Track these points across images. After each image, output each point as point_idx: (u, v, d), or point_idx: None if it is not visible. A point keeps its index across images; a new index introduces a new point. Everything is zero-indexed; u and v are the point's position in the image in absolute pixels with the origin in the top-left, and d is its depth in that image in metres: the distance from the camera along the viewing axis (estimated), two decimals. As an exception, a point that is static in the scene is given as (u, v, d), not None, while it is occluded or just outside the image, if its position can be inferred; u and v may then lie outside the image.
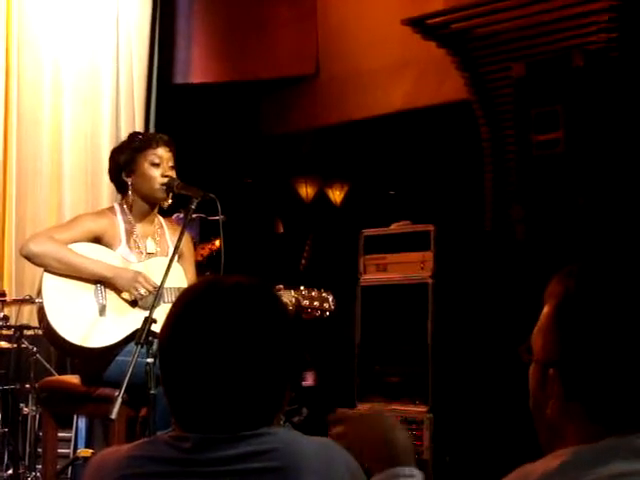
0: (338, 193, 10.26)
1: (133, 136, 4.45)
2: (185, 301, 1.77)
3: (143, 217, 4.35)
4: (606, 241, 5.06)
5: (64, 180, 7.14)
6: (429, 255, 5.53)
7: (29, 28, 7.00)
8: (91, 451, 5.62)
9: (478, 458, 5.27)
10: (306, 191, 10.14)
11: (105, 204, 7.19)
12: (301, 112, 8.20)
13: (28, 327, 5.86)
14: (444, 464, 5.33)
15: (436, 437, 5.34)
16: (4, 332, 5.76)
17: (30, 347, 5.68)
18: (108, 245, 4.25)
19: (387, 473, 1.76)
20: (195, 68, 7.95)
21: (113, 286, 4.16)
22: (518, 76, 5.62)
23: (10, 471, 5.38)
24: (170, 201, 4.34)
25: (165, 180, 4.25)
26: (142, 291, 4.12)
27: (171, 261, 3.85)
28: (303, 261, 9.52)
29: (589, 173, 5.33)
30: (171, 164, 4.31)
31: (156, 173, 4.26)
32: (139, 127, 7.34)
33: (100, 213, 4.44)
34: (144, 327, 3.55)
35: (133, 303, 4.19)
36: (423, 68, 7.09)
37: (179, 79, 7.86)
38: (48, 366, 5.95)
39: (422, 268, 5.55)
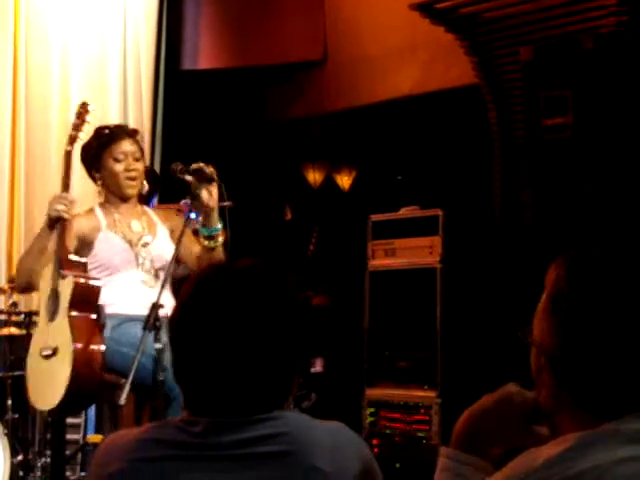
0: (346, 179, 10.24)
1: (97, 132, 4.44)
2: (196, 284, 1.76)
3: (120, 205, 4.34)
4: (607, 227, 5.05)
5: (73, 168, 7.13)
6: (437, 240, 5.53)
7: (37, 14, 6.99)
8: (100, 437, 5.63)
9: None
10: (314, 177, 10.12)
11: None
12: (309, 98, 8.19)
13: (37, 313, 5.86)
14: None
15: (445, 422, 5.34)
16: (14, 318, 5.77)
17: (39, 333, 5.68)
18: (91, 239, 4.24)
19: None
20: (203, 54, 7.93)
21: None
22: (526, 60, 5.59)
23: (20, 457, 5.39)
24: (146, 187, 4.36)
25: (131, 174, 4.26)
26: (59, 207, 4.09)
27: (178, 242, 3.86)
28: (311, 247, 9.51)
29: (598, 157, 5.31)
30: (137, 156, 4.31)
31: (120, 168, 4.27)
32: (147, 113, 7.33)
33: (82, 215, 4.41)
34: (151, 313, 3.55)
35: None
36: (431, 53, 7.06)
37: (187, 65, 7.84)
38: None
39: (430, 253, 5.55)
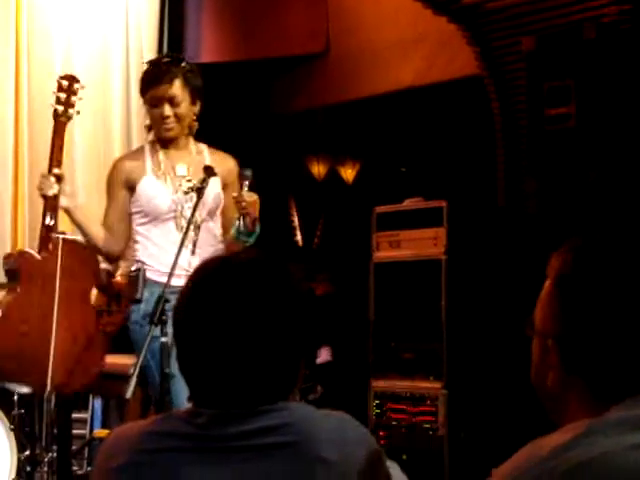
0: (350, 171, 10.23)
1: (145, 70, 4.33)
2: (200, 276, 1.76)
3: (170, 147, 4.21)
4: (611, 215, 5.05)
5: (76, 163, 7.13)
6: (442, 231, 5.53)
7: (39, 9, 6.99)
8: (107, 432, 5.64)
9: (493, 433, 5.28)
10: (318, 169, 10.12)
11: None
12: (312, 90, 8.18)
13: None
14: (459, 440, 5.34)
15: (451, 413, 5.35)
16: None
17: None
18: (136, 182, 4.15)
19: None
20: (205, 47, 7.92)
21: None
22: (528, 50, 5.59)
23: (27, 452, 5.40)
24: (196, 126, 4.22)
25: (165, 122, 4.12)
26: (47, 191, 4.11)
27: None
28: (316, 239, 9.52)
29: (601, 147, 5.31)
30: (177, 100, 4.11)
31: (156, 114, 4.15)
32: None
33: (126, 156, 4.37)
34: (157, 306, 3.55)
35: None
36: (434, 44, 7.05)
37: (189, 59, 7.82)
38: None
39: (435, 244, 5.55)
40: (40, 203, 6.91)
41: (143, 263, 4.02)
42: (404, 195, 5.98)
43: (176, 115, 4.12)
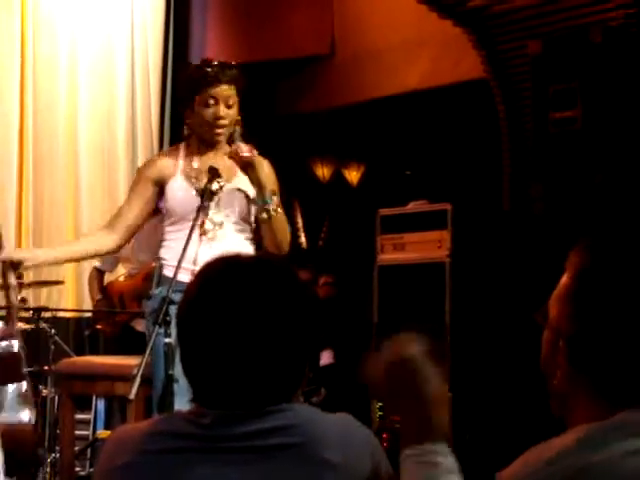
0: (355, 173, 10.23)
1: (196, 68, 4.14)
2: (204, 277, 1.76)
3: (205, 151, 4.11)
4: (618, 217, 5.04)
5: (80, 160, 7.15)
6: (446, 234, 5.53)
7: (44, 7, 7.00)
8: (110, 433, 5.64)
9: (498, 436, 5.27)
10: (322, 172, 10.12)
11: (122, 184, 7.21)
12: (317, 92, 8.18)
13: (46, 309, 5.88)
14: (464, 442, 5.33)
15: (455, 416, 5.33)
16: (22, 314, 5.77)
17: (48, 329, 5.70)
18: (166, 181, 4.05)
19: (421, 449, 1.74)
20: (211, 49, 7.93)
21: None
22: (534, 53, 5.58)
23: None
24: (238, 131, 4.03)
25: (219, 122, 4.00)
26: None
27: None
28: (320, 242, 9.51)
29: (606, 150, 5.30)
30: (230, 102, 4.01)
31: (209, 114, 4.00)
32: (155, 107, 7.34)
33: (161, 154, 4.30)
34: (162, 307, 3.54)
35: None
36: (439, 47, 7.05)
37: (195, 59, 7.83)
38: (66, 347, 5.97)
39: (439, 247, 5.55)
40: (44, 198, 6.93)
41: (162, 259, 3.99)
42: (409, 198, 5.98)
43: (228, 117, 4.07)
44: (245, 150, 3.94)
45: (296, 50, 8.00)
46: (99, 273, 6.03)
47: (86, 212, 7.14)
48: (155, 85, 7.39)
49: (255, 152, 3.98)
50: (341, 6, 7.88)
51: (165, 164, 4.09)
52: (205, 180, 3.99)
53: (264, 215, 3.95)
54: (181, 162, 4.08)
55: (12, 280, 3.75)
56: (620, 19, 5.53)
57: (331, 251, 9.12)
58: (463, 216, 5.59)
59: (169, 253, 4.01)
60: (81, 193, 7.10)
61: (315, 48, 8.00)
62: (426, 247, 5.62)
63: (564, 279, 1.58)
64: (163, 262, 3.96)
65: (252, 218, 4.06)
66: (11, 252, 3.94)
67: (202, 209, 3.96)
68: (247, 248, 3.95)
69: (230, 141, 4.07)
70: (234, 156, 3.95)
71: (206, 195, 3.89)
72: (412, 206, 5.85)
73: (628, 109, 5.34)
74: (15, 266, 3.75)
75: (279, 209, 3.98)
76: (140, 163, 6.92)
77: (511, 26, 6.17)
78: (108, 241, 4.04)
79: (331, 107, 8.21)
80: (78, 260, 4.20)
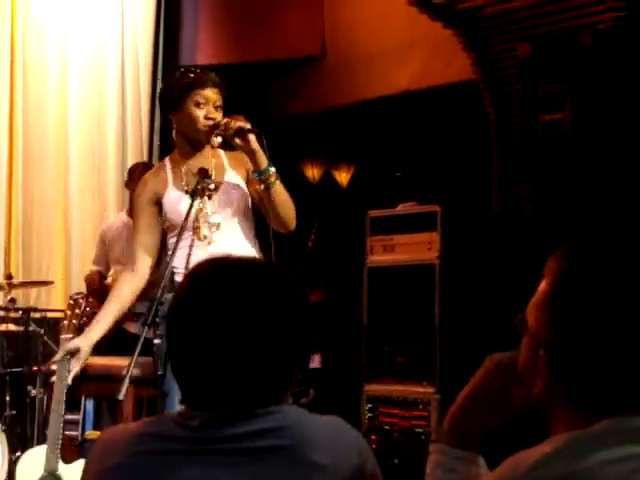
0: (344, 175, 10.22)
1: (182, 75, 4.26)
2: (193, 279, 1.76)
3: (191, 155, 4.18)
4: (609, 221, 5.05)
5: (70, 162, 7.14)
6: (436, 236, 5.53)
7: (35, 9, 6.99)
8: (99, 433, 5.63)
9: (485, 439, 5.27)
10: (312, 173, 10.11)
11: (111, 186, 7.20)
12: (307, 94, 8.18)
13: (35, 310, 5.88)
14: (452, 445, 5.33)
15: (444, 418, 5.34)
16: (12, 315, 5.77)
17: (37, 330, 5.69)
18: (162, 196, 4.13)
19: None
20: (201, 50, 7.92)
21: None
22: (524, 56, 5.59)
23: (18, 453, 5.39)
24: (219, 140, 4.12)
25: (209, 122, 4.09)
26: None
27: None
28: (310, 243, 9.51)
29: (596, 153, 5.31)
30: (218, 105, 4.14)
31: (200, 113, 4.10)
32: (145, 108, 7.33)
33: (149, 174, 4.33)
34: (151, 309, 3.54)
35: None
36: (430, 49, 7.05)
37: (185, 61, 7.83)
38: (55, 348, 5.95)
39: (429, 249, 5.55)
40: (34, 199, 6.92)
41: (174, 267, 4.00)
42: (398, 199, 5.97)
43: (216, 119, 4.13)
44: (240, 119, 3.99)
45: (287, 51, 8.00)
46: (99, 274, 6.05)
47: (76, 212, 7.13)
48: (145, 86, 7.39)
49: (248, 124, 4.05)
50: (332, 7, 7.88)
51: (155, 181, 4.18)
52: (194, 181, 4.02)
53: (263, 186, 4.01)
54: (170, 174, 4.15)
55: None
56: (610, 22, 5.54)
57: (320, 252, 9.12)
58: (453, 218, 5.59)
59: (177, 260, 4.04)
60: (71, 193, 7.09)
61: (306, 49, 8.00)
62: (416, 249, 5.62)
63: (542, 286, 1.57)
64: (174, 269, 3.99)
65: (252, 214, 4.12)
66: (72, 344, 4.04)
67: (197, 210, 4.00)
68: (245, 247, 3.98)
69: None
70: (226, 128, 3.99)
71: (197, 195, 3.92)
72: (402, 208, 5.85)
73: (618, 112, 5.35)
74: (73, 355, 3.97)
75: (277, 181, 4.06)
76: (130, 164, 6.91)
77: (501, 28, 6.17)
78: (138, 281, 4.15)
79: (322, 108, 8.20)
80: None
